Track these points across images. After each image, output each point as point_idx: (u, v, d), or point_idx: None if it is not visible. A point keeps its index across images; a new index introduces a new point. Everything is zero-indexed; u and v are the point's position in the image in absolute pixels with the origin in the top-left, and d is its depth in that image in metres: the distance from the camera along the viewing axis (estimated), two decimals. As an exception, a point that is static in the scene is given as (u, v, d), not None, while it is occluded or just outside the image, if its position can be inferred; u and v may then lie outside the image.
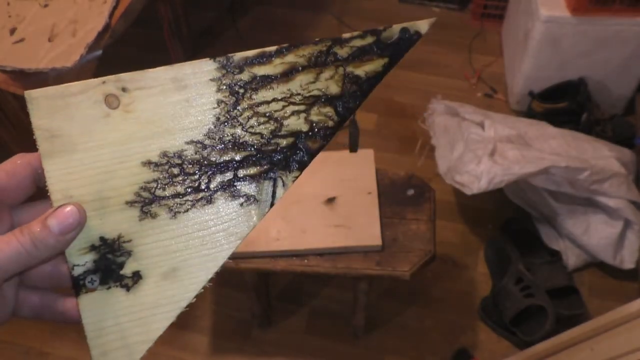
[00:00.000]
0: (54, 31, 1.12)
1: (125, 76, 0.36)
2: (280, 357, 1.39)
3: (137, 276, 0.35)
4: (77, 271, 0.35)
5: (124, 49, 1.97)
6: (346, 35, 0.37)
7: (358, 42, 0.37)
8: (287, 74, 0.37)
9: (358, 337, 1.40)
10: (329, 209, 1.14)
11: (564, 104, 1.65)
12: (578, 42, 1.60)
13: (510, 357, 1.26)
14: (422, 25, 0.37)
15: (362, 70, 0.37)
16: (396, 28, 0.37)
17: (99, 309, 0.35)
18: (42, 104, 0.35)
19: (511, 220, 1.54)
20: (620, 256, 1.40)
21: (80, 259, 0.35)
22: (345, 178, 1.18)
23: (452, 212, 1.61)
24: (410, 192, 1.19)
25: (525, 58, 1.68)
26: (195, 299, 0.36)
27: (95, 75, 1.20)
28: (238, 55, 0.36)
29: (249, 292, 1.31)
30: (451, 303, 1.46)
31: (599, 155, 1.41)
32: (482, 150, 1.36)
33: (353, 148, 1.18)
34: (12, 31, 1.14)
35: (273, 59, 0.36)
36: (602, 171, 1.34)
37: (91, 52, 1.09)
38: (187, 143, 0.36)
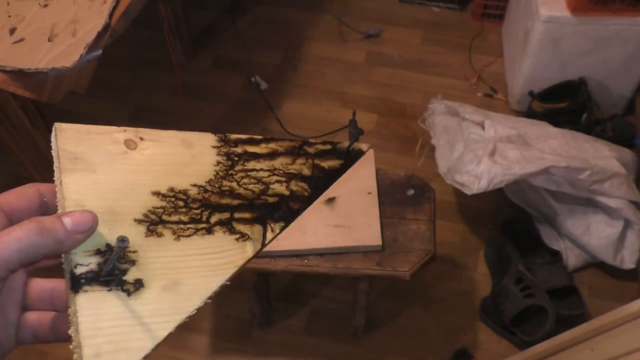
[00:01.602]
0: (53, 31, 1.12)
1: (142, 130, 0.42)
2: (280, 357, 1.39)
3: (139, 283, 0.36)
4: (80, 270, 0.35)
5: (124, 49, 1.97)
6: (312, 140, 0.47)
7: (320, 147, 0.47)
8: (271, 155, 0.45)
9: (358, 337, 1.40)
10: (329, 209, 1.14)
11: (564, 104, 1.64)
12: (578, 42, 1.60)
13: (510, 357, 1.26)
14: (363, 146, 0.48)
15: (326, 164, 0.47)
16: (345, 144, 0.47)
17: (98, 309, 0.34)
18: (69, 134, 0.39)
19: (511, 220, 1.54)
20: (620, 256, 1.40)
21: (85, 260, 0.35)
22: (345, 178, 1.17)
23: (452, 212, 1.61)
24: (410, 192, 1.19)
25: (525, 58, 1.68)
26: (195, 311, 0.37)
27: (95, 75, 1.20)
28: (233, 136, 0.45)
29: (249, 292, 1.31)
30: (451, 303, 1.46)
31: (599, 155, 1.41)
32: (482, 150, 1.36)
33: (353, 148, 1.18)
34: (12, 31, 1.14)
35: (260, 143, 0.45)
36: (603, 171, 1.34)
37: (91, 52, 1.09)
38: (192, 185, 0.42)
